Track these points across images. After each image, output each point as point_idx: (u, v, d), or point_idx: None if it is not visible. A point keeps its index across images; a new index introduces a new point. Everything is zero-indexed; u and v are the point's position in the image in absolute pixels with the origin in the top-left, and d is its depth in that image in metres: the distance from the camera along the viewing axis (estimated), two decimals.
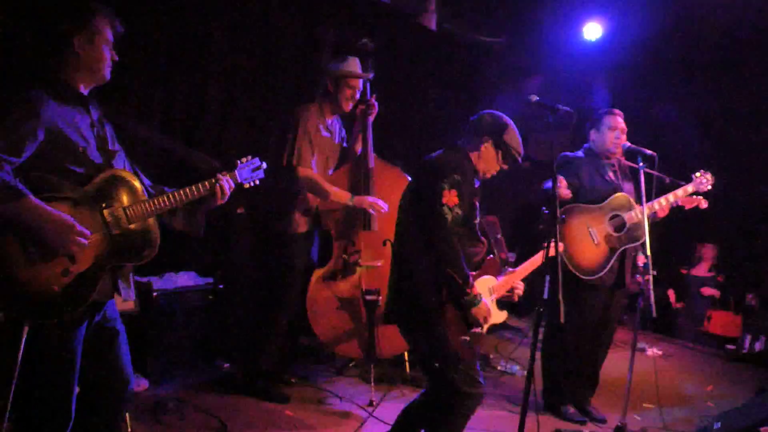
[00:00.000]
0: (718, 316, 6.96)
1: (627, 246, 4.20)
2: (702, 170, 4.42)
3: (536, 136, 5.92)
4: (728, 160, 7.00)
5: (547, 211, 3.98)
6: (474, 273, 3.00)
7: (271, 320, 4.18)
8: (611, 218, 4.20)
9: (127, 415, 3.25)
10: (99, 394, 2.52)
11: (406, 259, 2.97)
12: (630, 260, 4.28)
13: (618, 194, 4.24)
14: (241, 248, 5.01)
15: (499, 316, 3.11)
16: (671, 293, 7.26)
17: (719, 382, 5.58)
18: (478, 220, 3.04)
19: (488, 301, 3.03)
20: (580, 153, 4.41)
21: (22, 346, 2.22)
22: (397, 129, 5.95)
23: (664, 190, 4.33)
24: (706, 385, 5.47)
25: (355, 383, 4.64)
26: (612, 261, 4.16)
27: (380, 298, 4.16)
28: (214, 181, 2.64)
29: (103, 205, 2.37)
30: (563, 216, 4.07)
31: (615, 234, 4.18)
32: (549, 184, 4.06)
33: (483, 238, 3.10)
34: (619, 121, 4.28)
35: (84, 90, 2.46)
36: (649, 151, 4.07)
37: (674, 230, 6.65)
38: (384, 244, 4.18)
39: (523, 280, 3.31)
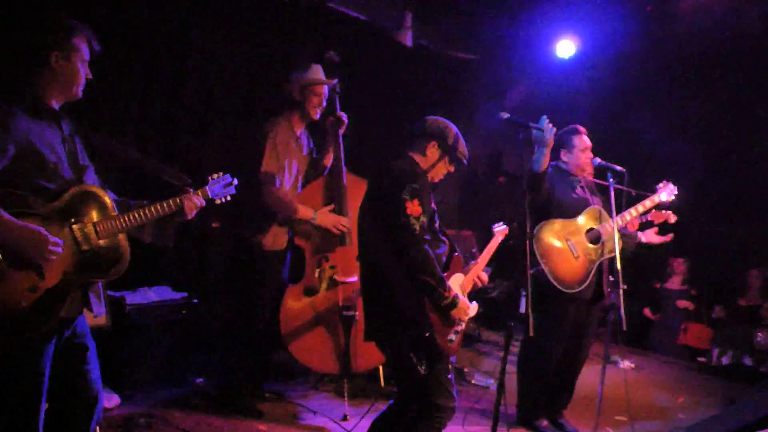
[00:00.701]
0: (693, 328, 7.05)
1: (604, 258, 4.26)
2: (664, 181, 4.54)
3: (513, 152, 6.01)
4: (706, 170, 7.15)
5: (517, 226, 4.03)
6: (445, 274, 3.02)
7: (244, 335, 4.17)
8: (587, 231, 4.26)
9: (98, 430, 3.22)
10: (69, 411, 2.51)
11: (378, 273, 2.97)
12: (606, 273, 4.34)
13: (592, 207, 4.30)
14: (215, 263, 5.00)
15: (472, 309, 3.14)
16: (647, 312, 7.32)
17: (690, 394, 5.65)
18: (437, 223, 3.08)
19: (463, 297, 3.07)
20: (548, 169, 4.48)
21: None
22: (372, 144, 5.99)
23: (631, 203, 4.43)
24: (677, 397, 5.53)
25: (330, 398, 4.63)
26: (592, 273, 4.21)
27: (357, 313, 4.18)
28: (179, 200, 2.65)
29: (72, 220, 2.37)
30: (534, 231, 4.11)
31: (592, 246, 4.24)
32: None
33: (444, 237, 3.13)
34: (586, 139, 4.35)
35: (55, 105, 2.46)
36: (618, 168, 4.15)
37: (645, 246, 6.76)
38: (358, 258, 4.19)
39: (499, 296, 3.37)
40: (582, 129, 4.39)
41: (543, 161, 3.79)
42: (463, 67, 7.44)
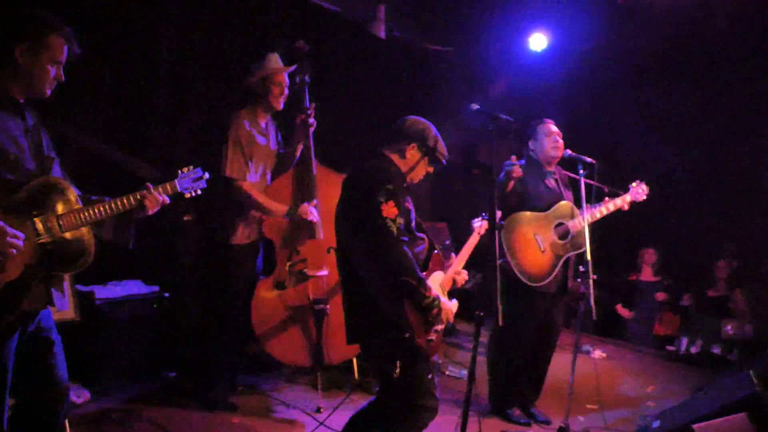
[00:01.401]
0: (667, 318, 7.15)
1: (571, 253, 4.31)
2: (638, 180, 4.60)
3: (486, 144, 6.02)
4: (676, 161, 7.25)
5: (486, 217, 4.06)
6: (424, 273, 3.02)
7: (216, 329, 4.15)
8: (556, 226, 4.31)
9: (67, 427, 3.19)
10: (35, 405, 2.49)
11: (356, 274, 2.92)
12: (572, 267, 4.39)
13: (562, 203, 4.35)
14: (187, 256, 4.96)
15: (453, 307, 3.15)
16: (620, 308, 7.38)
17: (660, 382, 5.73)
18: (414, 223, 3.07)
19: (444, 298, 3.07)
20: (521, 163, 4.51)
21: None
22: (345, 137, 5.98)
23: (601, 195, 4.48)
24: (647, 385, 5.62)
25: (304, 390, 4.64)
26: (558, 268, 4.26)
27: (328, 306, 4.18)
28: (139, 195, 2.61)
29: (35, 213, 2.34)
30: (502, 222, 4.15)
31: (560, 241, 4.29)
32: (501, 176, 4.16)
33: (422, 235, 3.13)
34: (553, 127, 4.40)
35: (19, 98, 2.42)
36: (588, 159, 4.20)
37: (616, 237, 6.86)
38: (328, 251, 4.18)
39: (472, 288, 3.38)
40: (548, 119, 4.44)
41: (508, 185, 4.10)
42: (436, 59, 7.45)
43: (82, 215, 2.43)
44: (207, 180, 2.90)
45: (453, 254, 3.63)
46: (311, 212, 4.11)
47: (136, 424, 3.79)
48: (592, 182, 4.28)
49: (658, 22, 6.63)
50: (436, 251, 3.22)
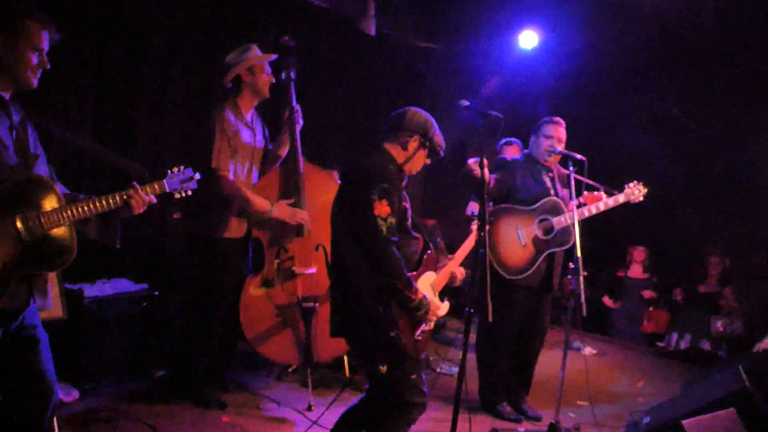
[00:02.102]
0: (655, 315, 7.18)
1: (554, 249, 4.30)
2: (635, 181, 4.47)
3: (477, 140, 6.01)
4: (668, 159, 7.28)
5: (476, 213, 4.06)
6: (414, 273, 3.02)
7: (205, 326, 4.12)
8: (540, 221, 4.30)
9: (56, 426, 3.16)
10: (22, 404, 2.46)
11: (345, 270, 2.92)
12: (559, 264, 4.39)
13: (549, 198, 4.34)
14: (176, 254, 4.93)
15: (443, 309, 3.14)
16: (606, 300, 7.41)
17: (650, 378, 5.76)
18: (410, 221, 3.07)
19: (434, 299, 3.07)
20: (518, 157, 4.52)
21: None
22: (335, 134, 5.97)
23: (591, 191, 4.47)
24: (637, 381, 5.64)
25: (294, 388, 4.62)
26: (538, 263, 4.25)
27: (317, 304, 4.17)
28: (125, 195, 2.57)
29: (15, 210, 2.30)
30: (492, 218, 4.14)
31: (543, 237, 4.28)
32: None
33: (417, 234, 3.12)
34: (560, 130, 4.34)
35: (4, 93, 2.39)
36: (578, 156, 4.18)
37: (606, 234, 6.89)
38: (317, 249, 4.17)
39: (463, 284, 3.37)
40: (558, 119, 4.37)
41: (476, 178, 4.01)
42: (426, 56, 7.44)
43: (64, 213, 2.39)
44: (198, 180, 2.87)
45: (444, 251, 3.62)
46: (297, 217, 4.10)
47: (125, 422, 3.76)
48: (582, 178, 4.26)
49: (648, 20, 6.64)
50: (429, 252, 3.22)
